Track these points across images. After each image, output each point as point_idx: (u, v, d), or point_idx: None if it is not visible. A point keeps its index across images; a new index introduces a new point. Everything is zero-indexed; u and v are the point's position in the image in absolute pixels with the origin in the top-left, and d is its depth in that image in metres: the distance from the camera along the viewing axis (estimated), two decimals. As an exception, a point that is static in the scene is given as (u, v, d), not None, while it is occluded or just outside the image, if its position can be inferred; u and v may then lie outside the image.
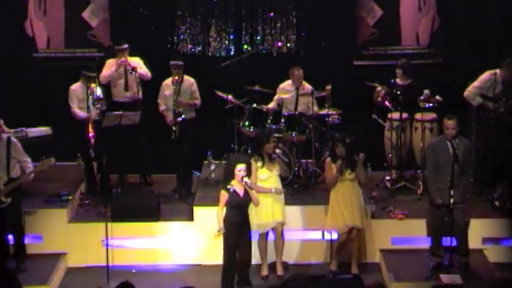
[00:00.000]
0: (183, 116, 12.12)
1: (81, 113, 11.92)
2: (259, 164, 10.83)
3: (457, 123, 10.41)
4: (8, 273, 6.95)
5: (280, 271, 11.04)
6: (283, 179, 11.31)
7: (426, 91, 12.02)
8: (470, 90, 12.03)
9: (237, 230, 10.31)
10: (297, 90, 12.48)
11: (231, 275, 10.45)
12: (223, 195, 10.26)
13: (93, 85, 11.88)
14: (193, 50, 13.72)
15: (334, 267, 11.09)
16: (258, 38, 13.72)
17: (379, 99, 12.19)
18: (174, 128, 12.09)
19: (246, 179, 10.23)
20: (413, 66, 12.56)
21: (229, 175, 10.32)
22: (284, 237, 11.10)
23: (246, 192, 10.27)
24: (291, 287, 6.76)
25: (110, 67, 12.46)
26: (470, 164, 10.64)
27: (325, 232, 11.42)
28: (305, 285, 6.74)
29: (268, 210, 10.85)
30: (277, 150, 10.92)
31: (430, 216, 10.84)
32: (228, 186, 10.23)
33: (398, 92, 12.07)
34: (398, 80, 12.42)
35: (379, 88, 12.19)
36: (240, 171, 10.20)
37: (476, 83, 12.01)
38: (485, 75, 11.96)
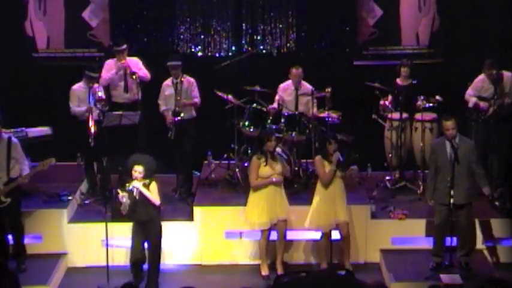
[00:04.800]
0: (181, 115, 12.11)
1: (79, 109, 11.91)
2: (263, 161, 10.87)
3: (456, 122, 10.42)
4: (8, 273, 6.94)
5: (280, 271, 11.05)
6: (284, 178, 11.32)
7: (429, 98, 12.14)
8: (467, 92, 12.09)
9: (139, 227, 10.53)
10: (296, 90, 12.48)
11: (136, 271, 10.64)
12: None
13: (95, 85, 11.88)
14: (193, 50, 13.72)
15: (324, 265, 11.11)
16: (258, 38, 13.72)
17: (385, 109, 12.23)
18: (171, 127, 12.09)
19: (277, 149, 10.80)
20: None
21: (128, 172, 10.52)
22: (286, 237, 11.12)
23: (141, 195, 10.43)
24: (283, 283, 6.77)
25: (109, 68, 12.45)
26: (478, 162, 10.55)
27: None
28: (297, 280, 6.76)
29: (270, 207, 10.90)
30: (278, 149, 10.95)
31: (434, 215, 10.82)
32: (128, 186, 10.43)
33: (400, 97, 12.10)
34: (399, 80, 12.40)
35: (384, 102, 12.19)
36: (135, 171, 10.42)
37: (472, 85, 12.07)
38: (478, 77, 12.01)
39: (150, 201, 10.51)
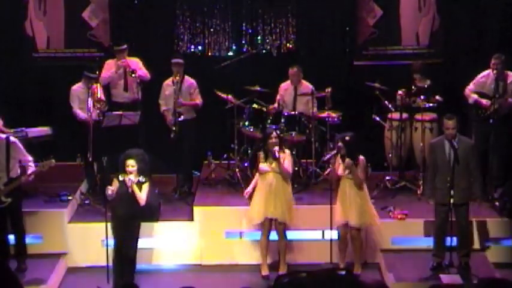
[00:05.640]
0: (182, 117, 12.12)
1: (82, 114, 11.91)
2: (262, 157, 10.96)
3: (457, 123, 10.43)
4: (9, 273, 6.94)
5: (283, 270, 11.04)
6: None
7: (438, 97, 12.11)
8: (468, 87, 12.06)
9: (121, 222, 10.52)
10: (295, 90, 12.49)
11: (118, 268, 10.60)
12: (115, 182, 10.63)
13: (95, 85, 11.87)
14: (193, 50, 13.73)
15: (342, 266, 11.11)
16: (258, 38, 13.73)
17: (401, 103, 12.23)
18: (173, 128, 12.10)
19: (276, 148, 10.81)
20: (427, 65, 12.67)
21: (122, 169, 10.64)
22: (286, 237, 11.13)
23: (132, 191, 10.50)
24: (284, 283, 6.74)
25: (109, 68, 12.46)
26: (476, 164, 10.57)
27: (325, 232, 11.43)
28: (297, 281, 6.73)
29: (261, 204, 10.93)
30: (275, 148, 10.95)
31: (434, 215, 10.82)
32: (119, 177, 10.56)
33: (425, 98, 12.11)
34: (418, 83, 12.38)
35: (401, 92, 12.19)
36: (128, 166, 10.51)
37: (474, 80, 12.05)
38: (482, 73, 11.98)
39: (136, 199, 10.51)
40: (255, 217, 11.01)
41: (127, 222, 10.56)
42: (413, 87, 12.28)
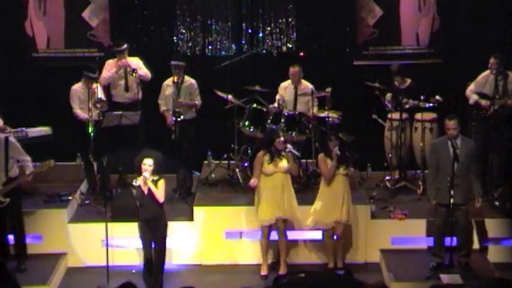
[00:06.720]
0: (182, 117, 12.12)
1: (82, 115, 11.91)
2: (267, 159, 10.91)
3: (458, 123, 10.44)
4: (6, 274, 6.95)
5: (283, 270, 11.05)
6: (293, 177, 11.30)
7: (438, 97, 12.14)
8: (469, 88, 12.06)
9: (146, 225, 10.44)
10: (296, 90, 12.49)
11: (148, 269, 10.56)
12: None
13: (95, 85, 11.87)
14: (193, 50, 13.73)
15: (332, 265, 11.16)
16: (259, 36, 13.72)
17: (389, 105, 12.25)
18: (173, 129, 12.10)
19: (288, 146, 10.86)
20: (408, 66, 12.61)
21: (138, 170, 10.45)
22: (287, 237, 11.13)
23: (149, 191, 10.35)
24: (283, 283, 6.76)
25: (109, 68, 12.46)
26: (476, 165, 10.61)
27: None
28: (296, 280, 6.75)
29: (271, 205, 10.93)
30: (289, 146, 10.97)
31: (433, 215, 10.83)
32: (133, 182, 10.39)
33: (403, 98, 12.11)
34: (397, 84, 12.40)
35: (387, 98, 12.24)
36: (145, 164, 10.33)
37: (475, 81, 12.05)
38: (483, 73, 11.98)
39: (155, 198, 10.45)
40: (267, 219, 10.98)
41: (155, 223, 10.49)
42: (378, 95, 12.25)
